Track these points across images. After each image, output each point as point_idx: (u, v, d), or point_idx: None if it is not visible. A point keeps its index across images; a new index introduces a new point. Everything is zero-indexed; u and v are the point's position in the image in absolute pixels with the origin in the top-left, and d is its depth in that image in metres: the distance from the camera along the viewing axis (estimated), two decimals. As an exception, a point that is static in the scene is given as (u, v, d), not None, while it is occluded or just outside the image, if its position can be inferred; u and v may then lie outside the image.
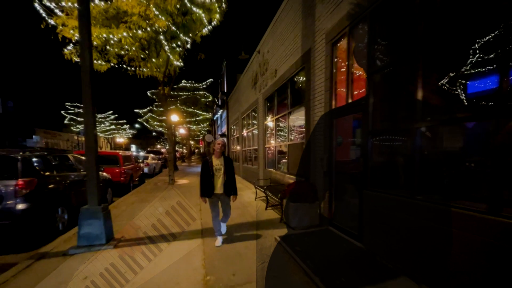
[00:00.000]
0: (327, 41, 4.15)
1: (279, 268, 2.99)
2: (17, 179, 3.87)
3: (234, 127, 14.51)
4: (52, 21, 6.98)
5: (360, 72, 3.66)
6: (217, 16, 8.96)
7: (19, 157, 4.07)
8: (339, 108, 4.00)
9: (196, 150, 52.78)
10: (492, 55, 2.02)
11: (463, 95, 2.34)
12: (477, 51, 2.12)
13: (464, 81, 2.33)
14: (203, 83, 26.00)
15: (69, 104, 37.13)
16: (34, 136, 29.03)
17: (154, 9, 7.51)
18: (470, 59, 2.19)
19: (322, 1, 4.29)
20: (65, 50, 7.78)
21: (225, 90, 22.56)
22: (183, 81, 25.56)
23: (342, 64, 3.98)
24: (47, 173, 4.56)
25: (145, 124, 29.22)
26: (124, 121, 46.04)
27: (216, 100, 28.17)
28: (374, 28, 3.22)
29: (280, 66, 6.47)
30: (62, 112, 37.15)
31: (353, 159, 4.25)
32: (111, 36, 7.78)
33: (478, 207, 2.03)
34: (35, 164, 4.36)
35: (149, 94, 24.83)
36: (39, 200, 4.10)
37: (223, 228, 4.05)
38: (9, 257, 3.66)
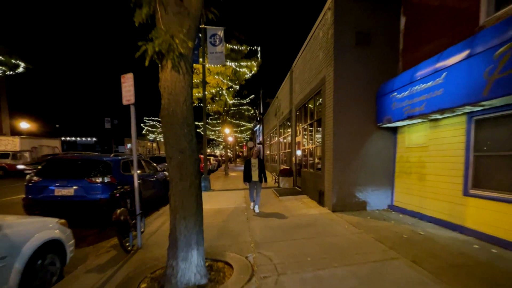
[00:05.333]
0: (295, 109, 9.93)
1: (268, 194, 8.95)
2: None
3: (271, 134, 20.63)
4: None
5: (303, 125, 9.39)
6: (255, 68, 15.33)
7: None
8: (295, 139, 9.78)
9: (240, 154, 60.08)
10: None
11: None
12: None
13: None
14: (247, 99, 32.75)
15: (146, 118, 48.35)
16: (128, 145, 39.90)
17: (221, 78, 14.22)
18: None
19: (293, 91, 10.11)
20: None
21: (261, 111, 29.15)
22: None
23: (299, 120, 9.74)
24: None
25: (202, 133, 37.48)
26: (184, 130, 55.95)
27: (256, 114, 34.73)
28: (305, 110, 8.96)
29: (284, 110, 12.36)
30: (141, 125, 48.57)
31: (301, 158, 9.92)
32: (197, 93, 14.77)
33: (316, 169, 7.68)
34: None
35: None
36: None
37: (257, 209, 6.13)
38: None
